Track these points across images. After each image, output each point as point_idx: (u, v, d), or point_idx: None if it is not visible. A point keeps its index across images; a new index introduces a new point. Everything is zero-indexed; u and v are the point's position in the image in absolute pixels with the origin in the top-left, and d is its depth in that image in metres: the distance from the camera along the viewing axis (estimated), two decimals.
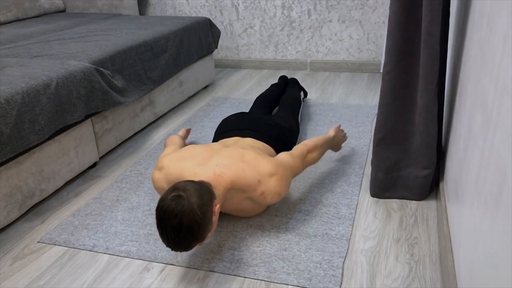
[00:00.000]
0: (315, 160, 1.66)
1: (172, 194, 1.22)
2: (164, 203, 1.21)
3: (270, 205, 1.48)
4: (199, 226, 1.21)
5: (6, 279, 1.37)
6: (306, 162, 1.62)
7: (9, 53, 2.10)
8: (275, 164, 1.46)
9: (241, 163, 1.43)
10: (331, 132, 1.83)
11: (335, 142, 1.87)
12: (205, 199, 1.25)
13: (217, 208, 1.31)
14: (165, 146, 1.87)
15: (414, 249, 1.42)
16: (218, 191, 1.36)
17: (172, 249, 1.24)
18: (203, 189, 1.27)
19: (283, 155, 1.55)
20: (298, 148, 1.62)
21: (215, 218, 1.30)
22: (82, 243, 1.51)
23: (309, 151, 1.63)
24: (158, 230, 1.23)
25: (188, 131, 2.17)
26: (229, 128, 1.84)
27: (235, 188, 1.41)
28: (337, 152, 2.05)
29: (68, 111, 1.76)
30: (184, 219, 1.18)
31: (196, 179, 1.39)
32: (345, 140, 1.95)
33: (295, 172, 1.55)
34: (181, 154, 1.53)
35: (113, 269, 1.39)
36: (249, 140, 1.71)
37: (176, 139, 1.86)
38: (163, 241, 1.23)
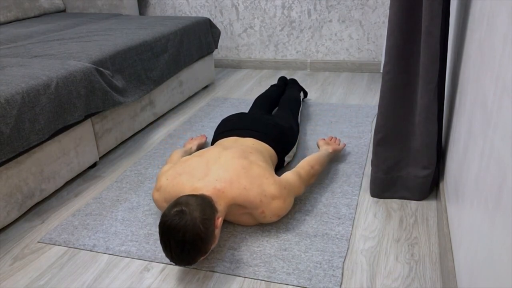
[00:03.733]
0: (311, 183, 1.69)
1: (175, 210, 1.22)
2: (167, 218, 1.21)
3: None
4: (202, 241, 1.21)
5: (6, 279, 1.37)
6: (308, 184, 1.64)
7: (9, 53, 2.10)
8: (279, 186, 1.44)
9: (243, 180, 1.41)
10: (329, 150, 1.85)
11: (334, 156, 1.92)
12: (208, 213, 1.25)
13: (219, 221, 1.30)
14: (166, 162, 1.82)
15: (414, 249, 1.42)
16: (220, 205, 1.36)
17: (176, 264, 1.25)
18: (205, 203, 1.27)
19: (290, 176, 1.54)
20: (305, 169, 1.61)
21: (217, 231, 1.30)
22: (82, 243, 1.51)
23: (313, 175, 1.65)
24: (161, 244, 1.24)
25: (201, 139, 2.12)
26: (229, 127, 1.84)
27: (236, 204, 1.41)
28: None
29: (68, 111, 1.75)
30: (187, 234, 1.19)
31: (197, 193, 1.38)
32: (343, 147, 1.97)
33: (297, 194, 1.57)
34: (176, 170, 1.50)
35: (113, 269, 1.39)
36: (249, 140, 1.71)
37: (176, 156, 1.78)
38: (166, 256, 1.24)
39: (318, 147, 1.95)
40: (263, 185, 1.42)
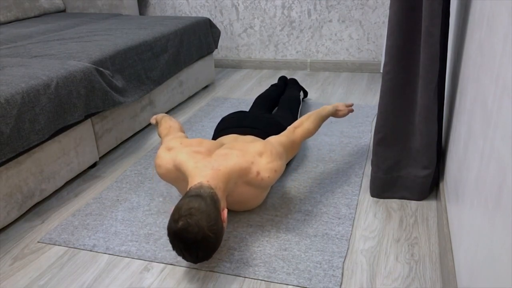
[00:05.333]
0: (309, 131, 1.68)
1: (180, 223, 1.20)
2: (174, 233, 1.21)
3: (271, 186, 1.47)
4: (214, 244, 1.24)
5: (6, 279, 1.37)
6: (296, 135, 1.63)
7: (9, 53, 2.10)
8: (262, 143, 1.51)
9: (234, 151, 1.47)
10: (328, 107, 1.82)
11: (336, 113, 1.86)
12: (213, 216, 1.24)
13: (225, 213, 1.31)
14: (159, 125, 1.79)
15: (414, 249, 1.42)
16: (219, 189, 1.35)
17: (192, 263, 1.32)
18: (208, 205, 1.25)
19: (270, 137, 1.60)
20: (290, 127, 1.67)
21: (225, 224, 1.31)
22: (82, 243, 1.51)
23: (295, 127, 1.66)
24: (174, 251, 1.28)
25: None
26: (229, 126, 1.84)
27: (232, 178, 1.41)
28: (337, 152, 2.04)
29: (68, 111, 1.76)
30: (199, 245, 1.21)
31: (196, 175, 1.38)
32: (350, 112, 1.89)
33: (286, 146, 1.57)
34: (191, 142, 1.54)
35: (113, 269, 1.39)
36: (249, 138, 1.71)
37: (177, 125, 1.76)
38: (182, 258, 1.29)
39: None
40: (249, 149, 1.48)
